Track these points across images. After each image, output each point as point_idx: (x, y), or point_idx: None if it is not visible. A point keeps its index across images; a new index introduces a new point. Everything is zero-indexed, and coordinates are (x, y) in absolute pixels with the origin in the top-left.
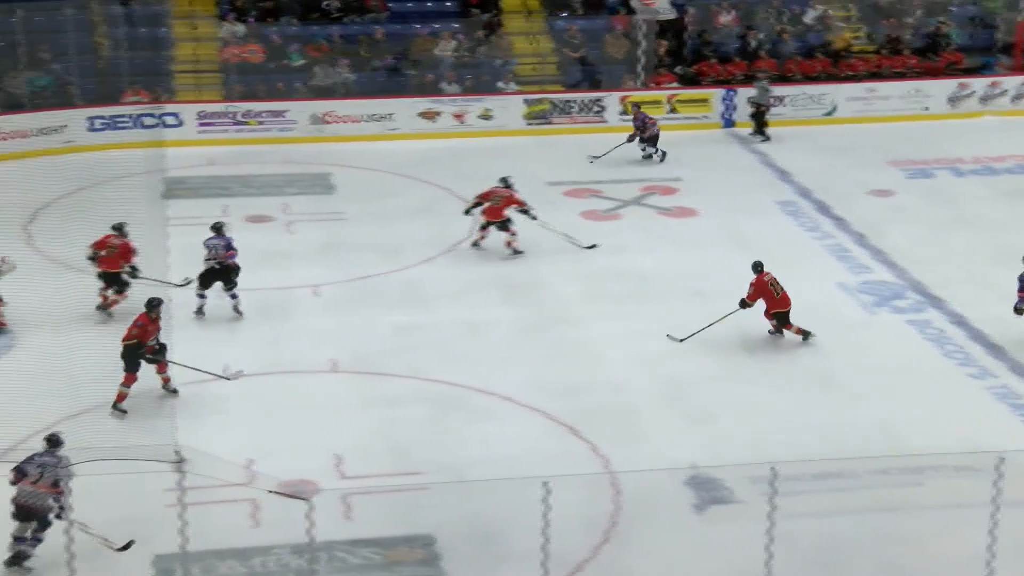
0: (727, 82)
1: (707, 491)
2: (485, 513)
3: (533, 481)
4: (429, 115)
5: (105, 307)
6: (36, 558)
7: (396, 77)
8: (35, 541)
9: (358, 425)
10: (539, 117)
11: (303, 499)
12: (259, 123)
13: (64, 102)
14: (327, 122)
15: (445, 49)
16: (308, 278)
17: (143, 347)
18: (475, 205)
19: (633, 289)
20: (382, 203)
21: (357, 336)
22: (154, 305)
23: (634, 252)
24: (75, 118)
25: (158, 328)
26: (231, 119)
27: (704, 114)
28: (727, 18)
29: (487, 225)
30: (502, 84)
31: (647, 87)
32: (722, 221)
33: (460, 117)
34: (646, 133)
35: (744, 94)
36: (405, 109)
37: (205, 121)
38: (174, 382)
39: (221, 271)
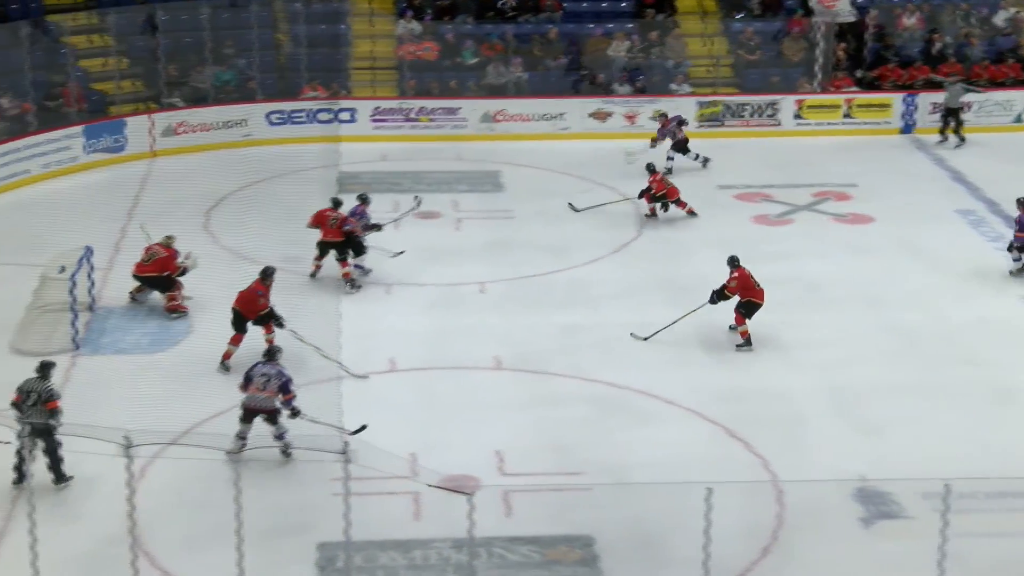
0: (908, 87)
1: (875, 505)
2: (645, 516)
3: (695, 486)
4: (600, 116)
5: (315, 275)
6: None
7: (568, 77)
8: (280, 437)
9: (520, 423)
10: (711, 119)
11: (464, 494)
12: (431, 120)
13: (245, 97)
14: (498, 120)
15: (618, 50)
16: (475, 275)
17: (255, 313)
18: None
19: (802, 296)
20: (550, 202)
21: (522, 334)
22: (268, 274)
23: (805, 258)
24: (255, 112)
25: (268, 293)
26: (404, 116)
27: (883, 119)
28: (911, 20)
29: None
30: (674, 86)
31: (824, 91)
32: (898, 229)
33: (631, 118)
34: (675, 139)
35: (927, 99)
36: (576, 109)
37: (379, 117)
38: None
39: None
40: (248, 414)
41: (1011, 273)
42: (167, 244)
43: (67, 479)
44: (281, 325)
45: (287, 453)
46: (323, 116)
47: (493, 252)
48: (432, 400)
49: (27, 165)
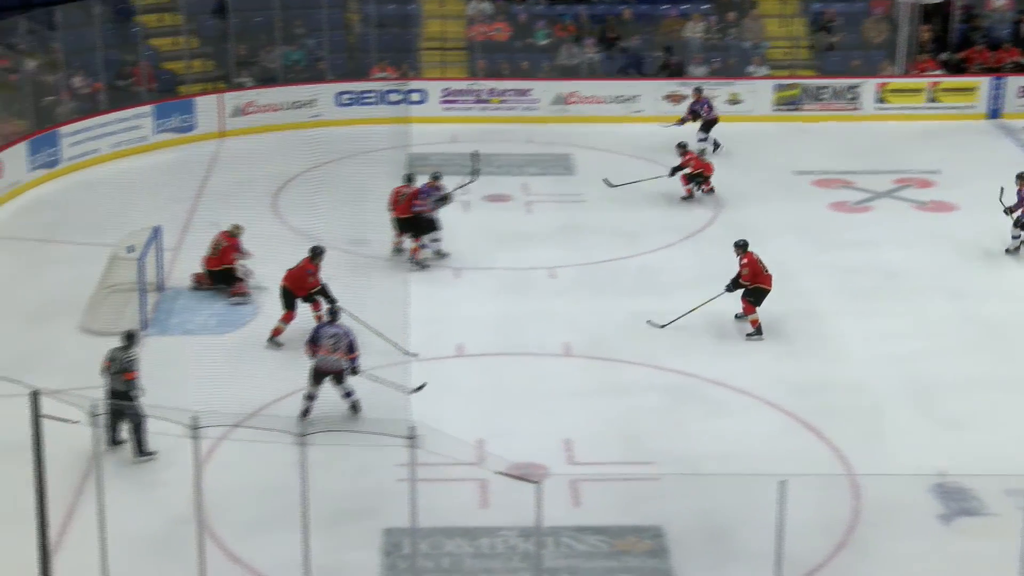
0: (996, 70)
1: (955, 501)
2: (717, 508)
3: (769, 478)
4: (674, 98)
5: (398, 249)
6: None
7: (642, 58)
8: (348, 395)
9: (590, 411)
10: (789, 103)
11: (532, 482)
12: (502, 101)
13: (314, 77)
14: (570, 102)
15: (694, 31)
16: (545, 260)
17: (304, 290)
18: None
19: (882, 285)
20: (622, 187)
21: (592, 321)
22: (317, 253)
23: (884, 246)
24: (324, 93)
25: (318, 271)
26: (475, 97)
27: (968, 104)
28: (1000, 1)
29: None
30: (751, 68)
31: (907, 74)
32: (983, 217)
33: None
34: (707, 117)
35: (1015, 83)
36: (650, 92)
37: (449, 98)
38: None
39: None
40: (318, 375)
41: (1007, 251)
42: (232, 234)
43: (149, 454)
44: (332, 303)
45: (356, 409)
46: (392, 97)
47: (563, 236)
48: (500, 386)
49: (97, 144)
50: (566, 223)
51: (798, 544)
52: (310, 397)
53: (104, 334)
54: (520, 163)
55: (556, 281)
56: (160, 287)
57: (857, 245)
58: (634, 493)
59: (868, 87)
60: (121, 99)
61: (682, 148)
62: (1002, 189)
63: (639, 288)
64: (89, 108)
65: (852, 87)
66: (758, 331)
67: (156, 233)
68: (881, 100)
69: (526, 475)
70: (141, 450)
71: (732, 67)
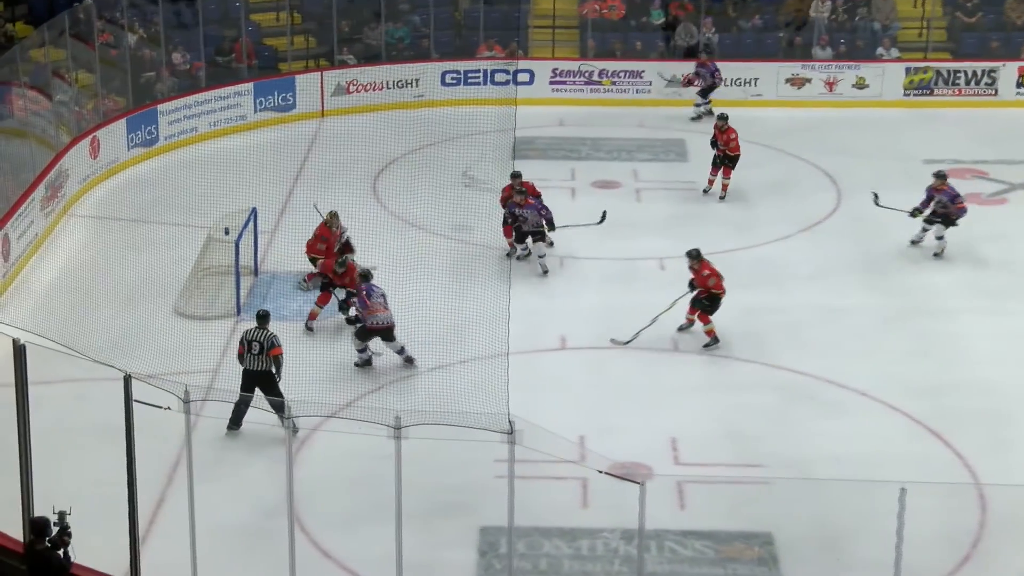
0: None
1: None
2: (830, 515)
3: (887, 485)
4: (796, 82)
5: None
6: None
7: (763, 39)
8: (401, 354)
9: (698, 409)
10: (921, 88)
11: (636, 483)
12: (613, 83)
13: (419, 55)
14: (686, 85)
15: (820, 10)
16: (654, 250)
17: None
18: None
19: (1015, 282)
20: (738, 174)
21: None
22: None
23: (1019, 241)
24: (429, 71)
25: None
26: (585, 78)
27: None
28: None
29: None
30: (881, 50)
31: None
32: None
33: (831, 85)
34: (710, 83)
35: None
36: (770, 74)
37: (558, 79)
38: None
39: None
40: (370, 334)
41: (912, 243)
42: (327, 222)
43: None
44: (365, 277)
45: (411, 361)
46: (499, 77)
47: (674, 226)
48: (604, 381)
49: (196, 123)
50: (677, 212)
51: (917, 556)
52: (365, 350)
53: (197, 318)
54: (631, 148)
55: (665, 273)
56: (255, 271)
57: (989, 239)
58: (743, 497)
59: (1007, 71)
60: (221, 76)
61: (723, 119)
62: (875, 195)
63: (753, 282)
64: (188, 85)
65: (990, 71)
66: (714, 340)
67: (253, 215)
68: (1021, 85)
69: (629, 475)
70: (238, 422)
71: (860, 49)
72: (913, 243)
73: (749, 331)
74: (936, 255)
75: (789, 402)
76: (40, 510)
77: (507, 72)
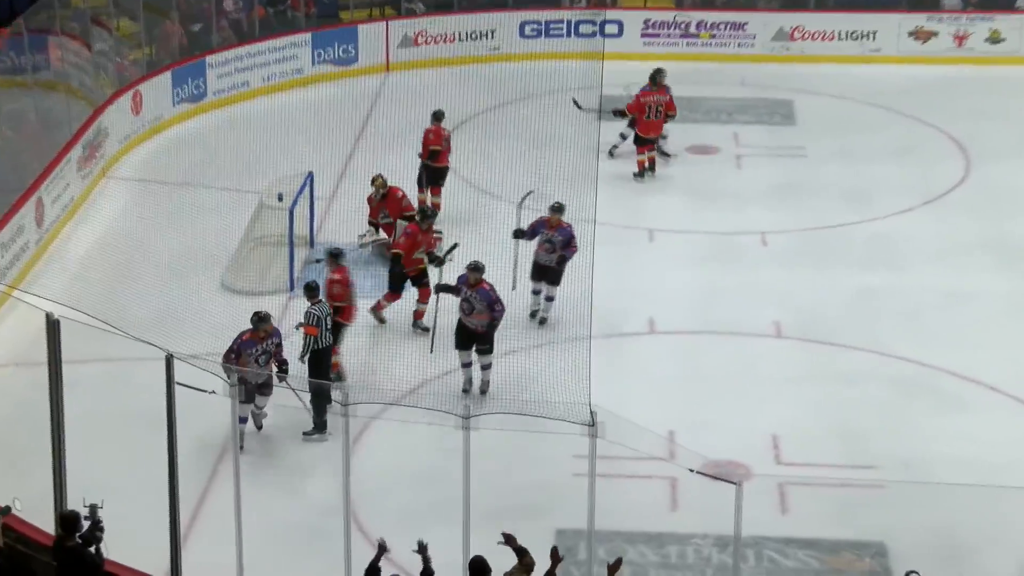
0: None
1: None
2: (952, 524)
3: (1017, 491)
4: (921, 35)
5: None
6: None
7: None
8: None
9: (802, 403)
10: None
11: (732, 483)
12: (712, 36)
13: (495, 3)
14: (793, 39)
15: None
16: (756, 223)
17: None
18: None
19: None
20: (852, 139)
21: (809, 297)
22: (427, 215)
23: None
24: (506, 22)
25: (430, 243)
26: (681, 31)
27: None
28: None
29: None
30: (1021, 2)
31: None
32: None
33: (960, 39)
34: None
35: None
36: (891, 27)
37: (650, 32)
38: None
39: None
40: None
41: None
42: (378, 187)
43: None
44: (438, 262)
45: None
46: (585, 29)
47: (779, 197)
48: (697, 370)
49: (247, 76)
50: (783, 181)
51: None
52: (466, 365)
53: (247, 293)
54: (731, 109)
55: (768, 249)
56: (311, 242)
57: None
58: (852, 501)
59: None
60: (276, 25)
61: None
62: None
63: (868, 260)
64: (240, 35)
65: None
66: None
67: (309, 180)
68: None
69: (725, 475)
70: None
71: None
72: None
73: (862, 316)
74: None
75: (906, 396)
76: (73, 502)
77: (593, 23)
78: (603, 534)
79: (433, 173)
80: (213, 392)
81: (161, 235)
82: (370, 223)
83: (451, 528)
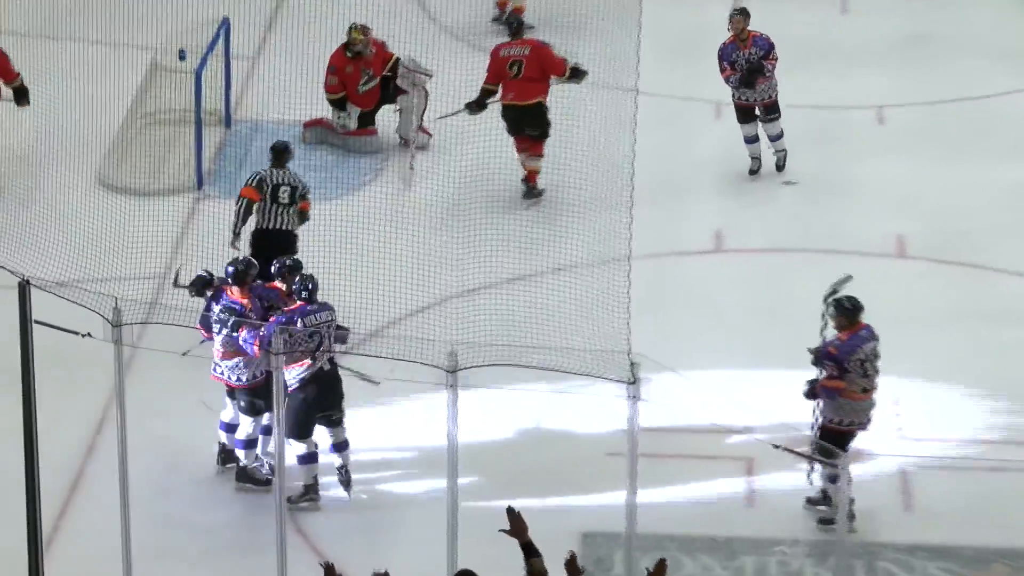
0: None
1: None
2: None
3: None
4: None
5: None
6: None
7: None
8: None
9: (934, 349)
10: None
11: (832, 466)
12: None
13: None
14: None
15: None
16: (868, 92)
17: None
18: None
19: None
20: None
21: (944, 200)
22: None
23: None
24: None
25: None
26: None
27: None
28: None
29: None
30: None
31: None
32: None
33: None
34: None
35: None
36: None
37: None
38: None
39: None
40: None
41: None
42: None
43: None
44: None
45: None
46: None
47: (901, 52)
48: (783, 301)
49: None
50: (906, 30)
51: None
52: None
53: (133, 193)
54: None
55: (884, 128)
56: (227, 120)
57: None
58: (1005, 494)
59: None
60: None
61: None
62: None
63: None
64: None
65: None
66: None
67: (223, 29)
68: None
69: (824, 454)
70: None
71: None
72: None
73: (1020, 226)
74: None
75: None
76: None
77: None
78: (648, 538)
79: None
80: (88, 335)
81: (10, 111)
82: (331, 101)
83: (432, 529)
